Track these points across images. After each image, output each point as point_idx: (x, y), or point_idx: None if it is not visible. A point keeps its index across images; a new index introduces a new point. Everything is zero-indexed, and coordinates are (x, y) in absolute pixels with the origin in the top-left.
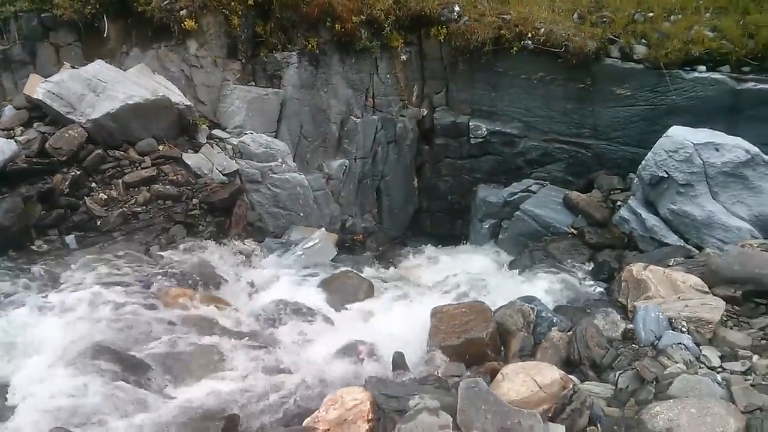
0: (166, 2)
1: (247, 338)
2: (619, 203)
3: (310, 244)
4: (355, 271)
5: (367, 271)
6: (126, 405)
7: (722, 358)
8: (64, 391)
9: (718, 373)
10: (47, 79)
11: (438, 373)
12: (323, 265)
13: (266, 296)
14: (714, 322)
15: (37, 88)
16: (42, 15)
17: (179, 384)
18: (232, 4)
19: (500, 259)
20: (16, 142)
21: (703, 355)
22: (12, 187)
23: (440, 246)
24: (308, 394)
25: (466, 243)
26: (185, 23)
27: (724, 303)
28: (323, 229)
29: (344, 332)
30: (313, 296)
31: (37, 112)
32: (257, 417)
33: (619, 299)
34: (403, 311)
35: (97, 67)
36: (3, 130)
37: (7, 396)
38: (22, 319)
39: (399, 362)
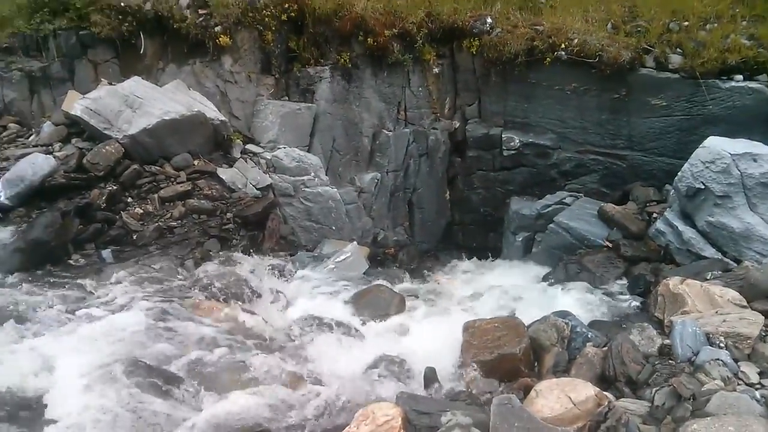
0: (201, 19)
1: (278, 352)
2: (655, 215)
3: (342, 257)
4: (386, 284)
5: (399, 285)
6: (158, 418)
7: (761, 374)
8: (99, 406)
9: (757, 389)
10: (85, 96)
11: (470, 389)
12: (355, 279)
13: (298, 310)
14: (753, 337)
15: (75, 104)
16: (80, 32)
17: (211, 397)
18: (266, 19)
19: (534, 273)
20: (54, 157)
21: (742, 371)
22: (51, 202)
23: (472, 259)
24: (339, 408)
25: (498, 256)
26: (220, 39)
27: (763, 318)
28: (355, 242)
29: (375, 347)
30: (344, 310)
31: (75, 128)
32: (288, 431)
33: (656, 314)
34: (434, 326)
35: (134, 84)
36: (42, 146)
37: (43, 411)
38: (58, 333)
39: (431, 378)
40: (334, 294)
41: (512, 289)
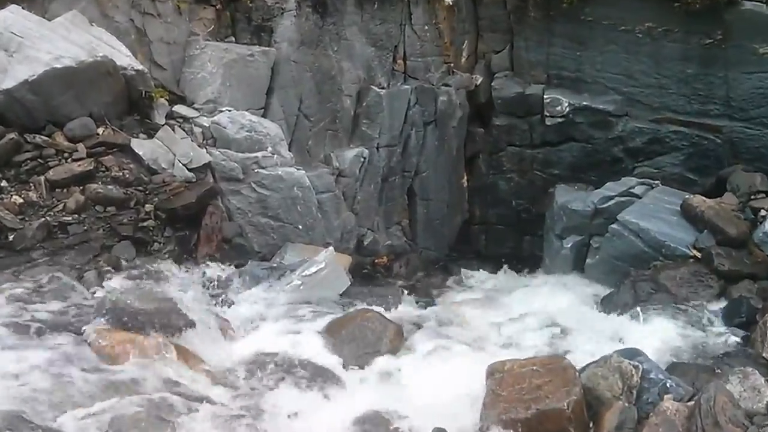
0: None
1: (219, 408)
2: (763, 213)
3: (313, 270)
4: (377, 309)
5: (395, 310)
6: None
7: None
8: None
9: None
10: None
11: None
12: (331, 302)
13: (248, 346)
14: None
15: None
16: None
17: None
18: None
19: (588, 293)
20: None
21: None
22: None
23: (500, 272)
24: None
25: (537, 269)
26: None
27: None
28: (331, 248)
29: (361, 399)
30: (315, 347)
31: None
32: None
33: (763, 354)
34: (445, 369)
35: (10, 15)
36: None
37: None
38: None
39: None
40: (301, 323)
41: (557, 316)
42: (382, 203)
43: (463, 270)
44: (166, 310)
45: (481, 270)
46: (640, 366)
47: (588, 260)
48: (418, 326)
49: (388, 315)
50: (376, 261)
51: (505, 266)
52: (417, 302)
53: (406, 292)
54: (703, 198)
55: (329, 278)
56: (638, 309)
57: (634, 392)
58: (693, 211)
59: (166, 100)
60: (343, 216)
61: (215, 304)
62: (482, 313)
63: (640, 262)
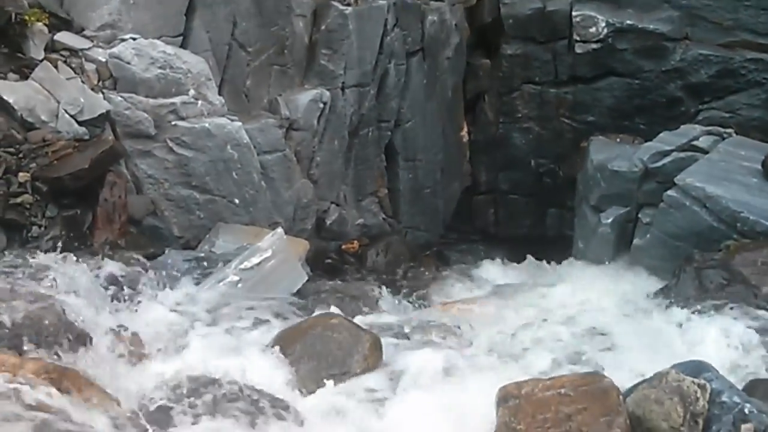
0: None
1: None
2: None
3: (255, 261)
4: (343, 315)
5: (369, 316)
6: None
7: None
8: None
9: None
10: None
11: None
12: (281, 304)
13: (166, 369)
14: None
15: None
16: None
17: None
18: None
19: (636, 287)
20: None
21: None
22: None
23: (514, 261)
24: None
25: (567, 254)
26: None
27: None
28: (281, 230)
29: None
30: (260, 367)
31: None
32: None
33: None
34: (440, 394)
35: None
36: None
37: None
38: None
39: None
40: (240, 335)
41: (594, 319)
42: (350, 166)
43: (463, 258)
44: (50, 320)
45: (488, 257)
46: (708, 385)
47: (636, 240)
48: (403, 336)
49: (360, 321)
50: (343, 247)
51: (522, 251)
52: (400, 303)
53: (385, 289)
54: None
55: (278, 272)
56: (704, 306)
57: (700, 421)
58: None
59: (46, 25)
60: (296, 185)
61: (119, 311)
62: (491, 317)
63: (708, 242)
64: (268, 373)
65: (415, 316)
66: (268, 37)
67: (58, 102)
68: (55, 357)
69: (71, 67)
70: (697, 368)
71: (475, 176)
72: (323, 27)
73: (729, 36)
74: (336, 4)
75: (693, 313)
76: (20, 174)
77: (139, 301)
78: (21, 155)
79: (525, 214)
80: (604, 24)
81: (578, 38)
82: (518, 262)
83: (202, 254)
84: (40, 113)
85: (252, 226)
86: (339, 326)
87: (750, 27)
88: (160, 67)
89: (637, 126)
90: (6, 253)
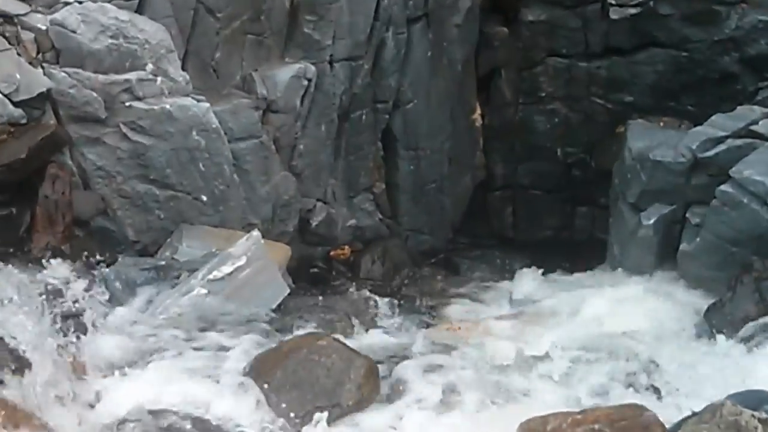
0: None
1: None
2: None
3: (227, 270)
4: (333, 335)
5: (363, 336)
6: None
7: None
8: None
9: None
10: None
11: None
12: (257, 321)
13: (119, 401)
14: None
15: None
16: None
17: None
18: None
19: (683, 302)
20: None
21: None
22: None
23: (538, 270)
24: None
25: (600, 262)
26: None
27: None
28: (257, 233)
29: None
30: (234, 399)
31: None
32: None
33: None
34: (451, 429)
35: None
36: None
37: None
38: None
39: None
40: (209, 360)
41: (633, 341)
42: (340, 156)
43: (476, 267)
44: None
45: (506, 266)
46: None
47: (683, 245)
48: (404, 361)
49: (353, 343)
50: (332, 253)
51: (547, 259)
52: (401, 321)
53: (383, 304)
54: None
55: (254, 283)
56: (766, 325)
57: None
58: None
59: None
60: (275, 179)
61: (63, 332)
62: (509, 339)
63: None
64: (242, 406)
65: (418, 337)
66: (240, 2)
67: None
68: None
69: (5, 37)
70: (757, 399)
71: (491, 168)
72: None
73: None
74: None
75: (752, 333)
76: None
77: (87, 320)
78: None
79: (550, 214)
80: None
81: (613, 1)
82: (542, 272)
83: (163, 262)
84: None
85: (222, 228)
86: (327, 349)
87: None
88: (111, 37)
89: (685, 107)
90: None
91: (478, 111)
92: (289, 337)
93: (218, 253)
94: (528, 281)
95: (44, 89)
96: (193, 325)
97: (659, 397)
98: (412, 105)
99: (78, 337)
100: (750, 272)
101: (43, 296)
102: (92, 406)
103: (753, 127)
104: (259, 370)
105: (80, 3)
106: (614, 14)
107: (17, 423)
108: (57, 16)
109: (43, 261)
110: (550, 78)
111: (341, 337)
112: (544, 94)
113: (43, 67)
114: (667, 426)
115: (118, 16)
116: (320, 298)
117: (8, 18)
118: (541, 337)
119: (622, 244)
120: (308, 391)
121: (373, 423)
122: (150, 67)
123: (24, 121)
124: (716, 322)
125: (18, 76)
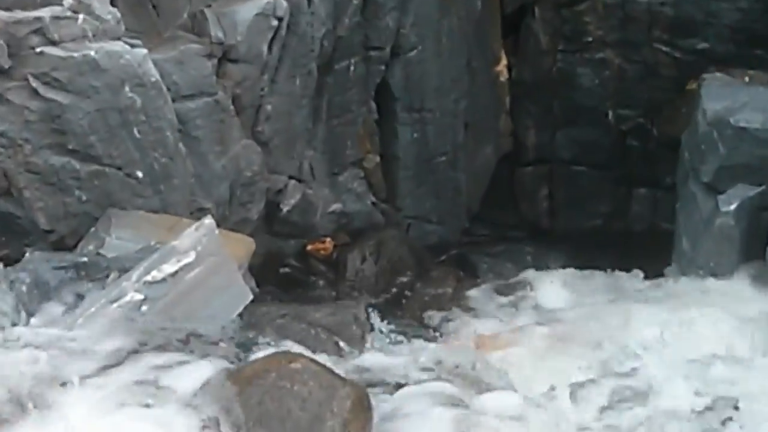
0: None
1: None
2: None
3: (171, 268)
4: (310, 356)
5: (353, 355)
6: None
7: None
8: None
9: None
10: None
11: None
12: (211, 336)
13: None
14: None
15: None
16: None
17: None
18: None
19: None
20: None
21: None
22: None
23: (583, 273)
24: None
25: (665, 263)
26: None
27: None
28: (210, 220)
29: None
30: None
31: None
32: None
33: None
34: None
35: None
36: None
37: None
38: None
39: None
40: (146, 384)
41: (711, 366)
42: (320, 120)
43: (500, 266)
44: None
45: (539, 264)
46: None
47: None
48: (402, 389)
49: (337, 365)
50: (309, 248)
51: (593, 256)
52: (399, 337)
53: (376, 314)
54: None
55: (207, 287)
56: None
57: None
58: None
59: None
60: (234, 150)
61: None
62: (543, 361)
63: None
64: None
65: (422, 358)
66: None
67: None
68: None
69: None
70: None
71: (520, 137)
72: None
73: None
74: None
75: None
76: None
77: None
78: None
79: (598, 197)
80: None
81: None
82: (586, 273)
83: (85, 258)
84: None
85: (164, 214)
86: (303, 373)
87: None
88: None
89: None
90: None
91: (504, 61)
92: (252, 357)
93: (158, 247)
94: (565, 285)
95: None
96: (125, 341)
97: None
98: (415, 52)
99: None
100: None
101: None
102: None
103: None
104: (212, 402)
105: None
106: None
107: None
108: None
109: None
110: (599, 18)
111: (321, 358)
112: (590, 39)
113: None
114: None
115: None
116: (293, 306)
117: None
118: (582, 358)
119: (694, 236)
120: (277, 428)
121: None
122: (68, 1)
123: None
124: None
125: None
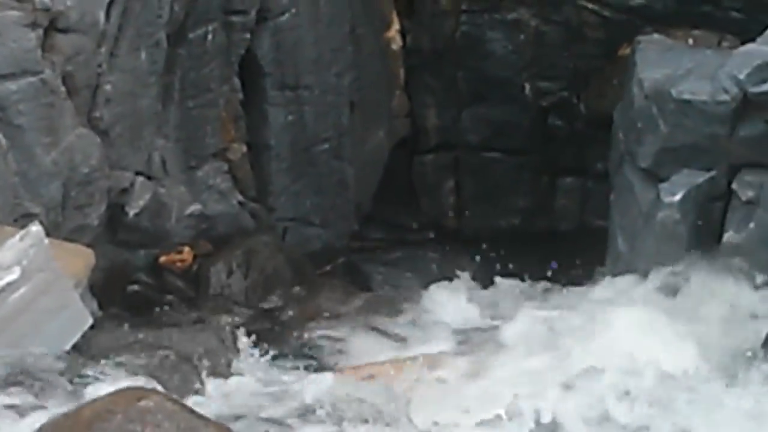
0: None
1: None
2: None
3: None
4: (164, 391)
5: (217, 389)
6: None
7: None
8: None
9: None
10: None
11: None
12: (41, 370)
13: None
14: None
15: None
16: None
17: None
18: None
19: (730, 319)
20: None
21: None
22: None
23: (497, 281)
24: None
25: (596, 264)
26: None
27: None
28: (37, 228)
29: None
30: None
31: None
32: None
33: None
34: None
35: None
36: None
37: None
38: None
39: None
40: None
41: (654, 389)
42: (172, 102)
43: (397, 276)
44: None
45: (445, 274)
46: None
47: (727, 234)
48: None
49: (197, 404)
50: (163, 260)
51: (509, 261)
52: (276, 366)
53: (246, 339)
54: None
55: (36, 310)
56: None
57: None
58: None
59: None
60: (67, 140)
61: None
62: (452, 393)
63: None
64: None
65: (305, 390)
66: None
67: None
68: None
69: None
70: None
71: (418, 118)
72: None
73: None
74: None
75: None
76: None
77: None
78: None
79: (514, 189)
80: None
81: None
82: (504, 283)
83: None
84: None
85: None
86: (156, 413)
87: None
88: None
89: (727, 13)
90: None
91: (396, 26)
92: (93, 396)
93: None
94: (479, 296)
95: None
96: None
97: None
98: (287, 17)
99: None
100: None
101: None
102: None
103: None
104: None
105: None
106: None
107: None
108: None
109: None
110: None
111: (178, 394)
112: None
113: None
114: None
115: None
116: (144, 331)
117: None
118: (496, 386)
119: (631, 234)
120: None
121: None
122: None
123: None
124: None
125: None
